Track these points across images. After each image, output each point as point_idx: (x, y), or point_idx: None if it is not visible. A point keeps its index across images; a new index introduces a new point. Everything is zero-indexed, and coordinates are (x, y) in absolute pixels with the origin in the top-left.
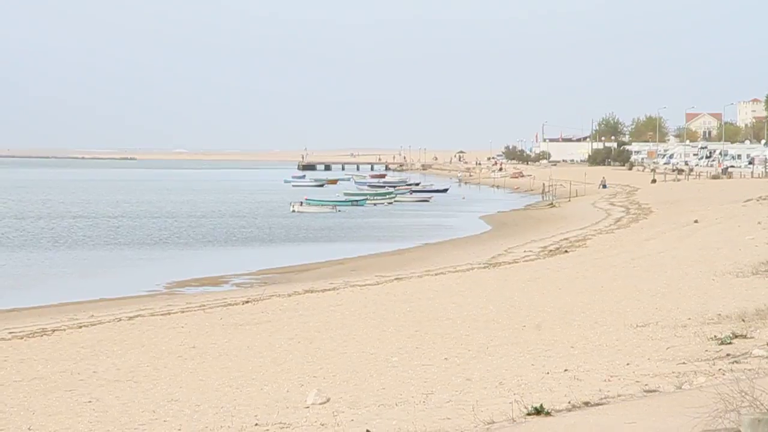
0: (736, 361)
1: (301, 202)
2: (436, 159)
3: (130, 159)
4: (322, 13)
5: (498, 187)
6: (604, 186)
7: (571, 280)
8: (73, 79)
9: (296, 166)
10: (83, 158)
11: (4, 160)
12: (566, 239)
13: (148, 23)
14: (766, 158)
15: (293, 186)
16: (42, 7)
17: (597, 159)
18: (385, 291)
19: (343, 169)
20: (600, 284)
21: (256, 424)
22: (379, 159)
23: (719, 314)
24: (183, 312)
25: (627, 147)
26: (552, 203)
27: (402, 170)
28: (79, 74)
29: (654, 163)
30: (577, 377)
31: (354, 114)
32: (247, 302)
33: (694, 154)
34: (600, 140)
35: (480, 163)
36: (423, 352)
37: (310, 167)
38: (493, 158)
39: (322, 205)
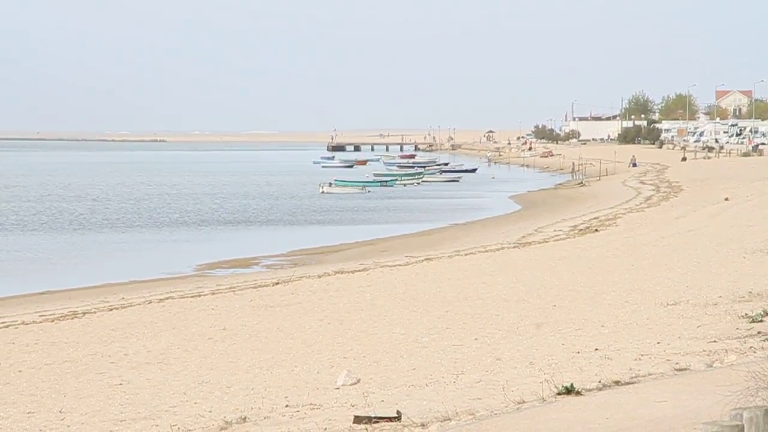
0: None
1: (330, 183)
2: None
3: (161, 141)
4: None
5: (527, 166)
6: (634, 164)
7: (601, 259)
8: (101, 65)
9: (325, 147)
10: (113, 141)
11: (35, 143)
12: (596, 218)
13: (175, 10)
14: None
15: (322, 167)
16: None
17: (627, 137)
18: (415, 271)
19: (372, 149)
20: (630, 263)
21: (287, 406)
22: (402, 138)
23: (750, 292)
24: (213, 294)
25: (657, 125)
26: (582, 182)
27: (431, 150)
28: (107, 60)
29: (684, 141)
30: (608, 356)
31: (383, 95)
32: (277, 284)
33: (725, 132)
34: (630, 118)
35: (510, 143)
36: (453, 333)
37: (340, 148)
38: (522, 138)
39: (351, 186)
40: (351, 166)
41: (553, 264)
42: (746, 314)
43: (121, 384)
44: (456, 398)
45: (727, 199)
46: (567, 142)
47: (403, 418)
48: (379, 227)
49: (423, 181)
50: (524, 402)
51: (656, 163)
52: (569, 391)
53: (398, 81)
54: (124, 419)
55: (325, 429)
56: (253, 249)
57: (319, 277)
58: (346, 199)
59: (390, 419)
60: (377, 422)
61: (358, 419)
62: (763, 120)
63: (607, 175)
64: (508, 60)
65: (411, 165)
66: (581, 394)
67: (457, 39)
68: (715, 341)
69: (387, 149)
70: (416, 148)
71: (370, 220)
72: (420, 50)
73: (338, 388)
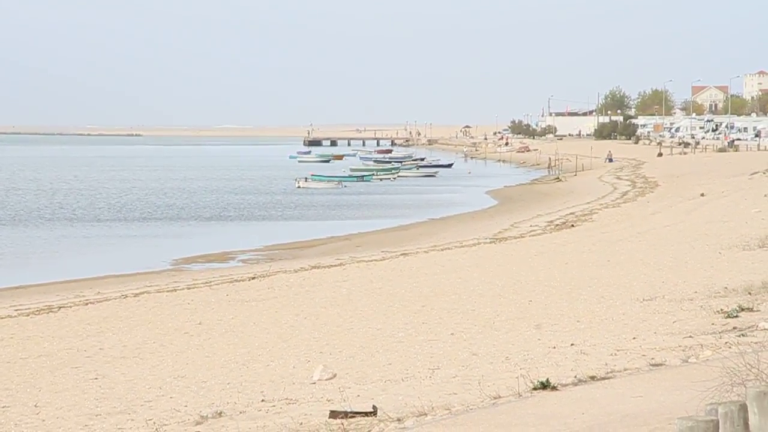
0: (743, 334)
1: (306, 178)
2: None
3: (136, 135)
4: None
5: (504, 161)
6: (611, 160)
7: (577, 255)
8: (75, 57)
9: (302, 142)
10: (89, 135)
11: (9, 137)
12: (572, 213)
13: (149, 2)
14: None
15: (299, 162)
16: None
17: (603, 133)
18: (392, 266)
19: (349, 144)
20: (606, 258)
21: (263, 400)
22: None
23: (726, 287)
24: (189, 288)
25: (633, 121)
26: (558, 177)
27: (408, 145)
28: (81, 52)
29: (660, 136)
30: (584, 351)
31: (360, 90)
32: (253, 278)
33: (701, 128)
34: (606, 114)
35: (486, 138)
36: (429, 328)
37: (316, 143)
38: (499, 133)
39: (327, 180)
40: (327, 161)
41: (530, 259)
42: (721, 310)
43: (96, 378)
44: (432, 393)
45: (702, 195)
46: (543, 137)
47: (379, 413)
48: (355, 222)
49: (399, 176)
50: (500, 397)
51: (632, 159)
52: (545, 386)
53: (375, 76)
54: (99, 413)
55: (301, 424)
56: (229, 244)
57: (295, 272)
58: (322, 194)
59: (366, 414)
60: (353, 417)
61: (334, 414)
62: (738, 116)
63: (583, 170)
64: (484, 55)
65: (387, 160)
66: (557, 389)
67: (433, 34)
68: (690, 337)
69: (363, 144)
70: (393, 143)
71: (346, 215)
72: (396, 45)
73: (314, 383)
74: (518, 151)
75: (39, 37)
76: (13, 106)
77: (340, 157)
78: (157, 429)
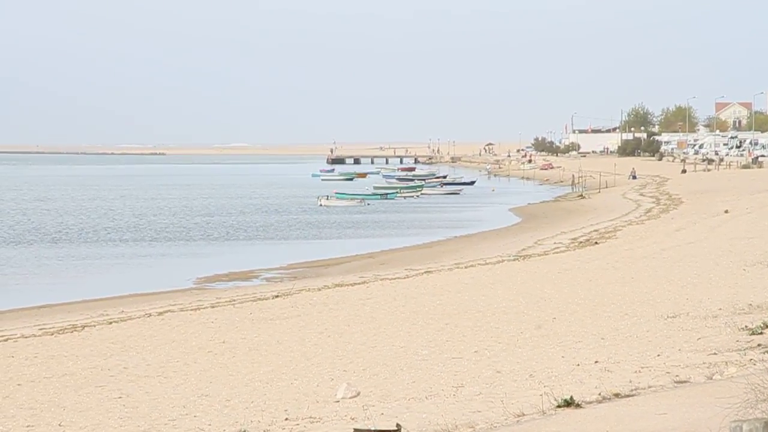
0: None
1: (328, 196)
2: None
3: (160, 154)
4: (349, 8)
5: (527, 178)
6: (634, 177)
7: (601, 272)
8: (96, 79)
9: (325, 160)
10: (113, 154)
11: (33, 157)
12: (596, 230)
13: (169, 24)
14: None
15: (322, 180)
16: (68, 11)
17: (627, 150)
18: (415, 284)
19: (372, 162)
20: (630, 275)
21: (287, 419)
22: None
23: (750, 304)
24: (213, 307)
25: (656, 137)
26: (582, 194)
27: (431, 163)
28: (100, 74)
29: (684, 153)
30: (608, 369)
31: (382, 108)
32: (276, 297)
33: (724, 144)
34: (629, 131)
35: (510, 155)
36: (453, 345)
37: (339, 161)
38: (522, 150)
39: (350, 198)
40: (351, 179)
41: (553, 276)
42: (746, 326)
43: (120, 397)
44: (456, 411)
45: (726, 212)
46: (567, 154)
47: (402, 431)
48: (378, 240)
49: (422, 194)
50: (524, 415)
51: (656, 176)
52: (569, 403)
53: (398, 94)
54: None
55: None
56: (252, 262)
57: (319, 290)
58: (345, 212)
59: None
60: None
61: None
62: (762, 132)
63: (607, 187)
64: (507, 72)
65: (411, 178)
66: (581, 407)
67: (456, 52)
68: (715, 353)
69: (387, 162)
70: (416, 161)
71: (369, 233)
72: (419, 63)
73: (338, 401)
74: (541, 169)
75: (63, 63)
76: (39, 128)
77: (363, 175)
78: None
